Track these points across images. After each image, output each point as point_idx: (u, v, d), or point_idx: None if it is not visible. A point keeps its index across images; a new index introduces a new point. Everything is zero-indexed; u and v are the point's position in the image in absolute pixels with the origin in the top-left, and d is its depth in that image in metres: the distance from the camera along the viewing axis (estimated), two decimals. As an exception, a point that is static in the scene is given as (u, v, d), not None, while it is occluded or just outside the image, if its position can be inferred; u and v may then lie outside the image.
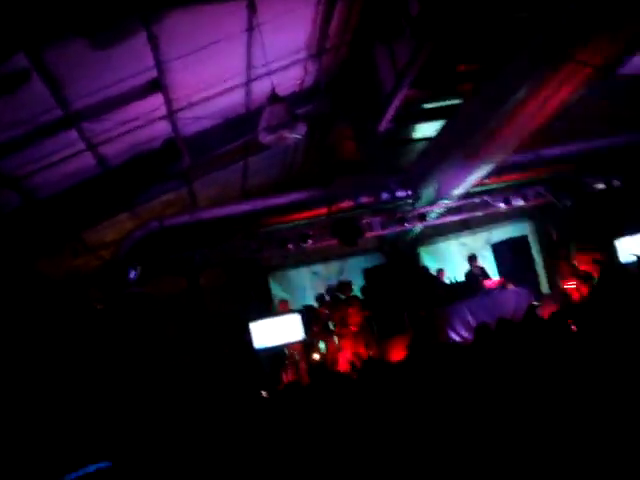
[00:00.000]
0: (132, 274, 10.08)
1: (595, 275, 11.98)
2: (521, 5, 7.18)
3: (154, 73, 6.78)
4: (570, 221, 13.20)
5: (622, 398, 4.15)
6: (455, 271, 13.51)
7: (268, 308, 13.27)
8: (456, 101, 9.12)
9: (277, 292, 13.93)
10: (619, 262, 11.72)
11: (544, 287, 14.51)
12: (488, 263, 14.06)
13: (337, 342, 11.81)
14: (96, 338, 10.27)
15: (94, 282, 10.73)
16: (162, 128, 8.18)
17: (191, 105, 7.89)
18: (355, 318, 11.87)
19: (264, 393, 9.96)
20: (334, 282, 13.22)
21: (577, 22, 5.49)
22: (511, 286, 12.12)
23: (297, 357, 11.76)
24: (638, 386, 4.24)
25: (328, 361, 11.68)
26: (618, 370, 4.62)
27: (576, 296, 12.06)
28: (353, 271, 13.97)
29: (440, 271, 13.22)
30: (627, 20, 5.24)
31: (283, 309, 12.42)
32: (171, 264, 10.86)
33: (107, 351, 10.13)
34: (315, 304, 12.76)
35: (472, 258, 13.10)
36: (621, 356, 4.88)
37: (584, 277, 12.16)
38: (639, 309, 6.10)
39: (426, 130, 10.36)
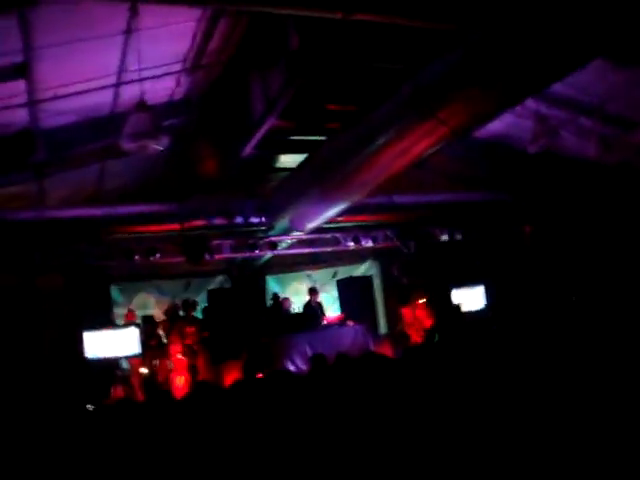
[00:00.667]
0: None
1: (428, 322, 12.70)
2: (397, 57, 7.59)
3: (20, 57, 6.49)
4: (413, 267, 13.86)
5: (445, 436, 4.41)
6: (300, 302, 13.75)
7: (107, 318, 12.83)
8: (322, 138, 9.39)
9: (118, 303, 13.50)
10: (453, 310, 12.52)
11: (382, 327, 15.05)
12: (332, 298, 14.42)
13: (171, 361, 11.55)
14: None
15: None
16: (20, 116, 7.79)
17: (55, 98, 7.59)
18: (191, 338, 11.71)
19: (90, 406, 9.59)
20: (178, 300, 12.99)
21: (442, 82, 5.87)
22: (351, 323, 12.49)
23: (129, 372, 11.46)
24: (469, 423, 4.53)
25: (161, 379, 11.41)
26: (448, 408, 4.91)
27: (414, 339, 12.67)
28: (199, 291, 13.86)
29: (285, 299, 13.35)
30: (486, 89, 5.67)
31: (130, 319, 12.03)
32: (8, 260, 10.29)
33: None
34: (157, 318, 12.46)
35: (312, 291, 13.29)
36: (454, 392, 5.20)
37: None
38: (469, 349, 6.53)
39: (289, 161, 10.59)
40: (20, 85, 7.02)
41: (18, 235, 9.93)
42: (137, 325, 11.43)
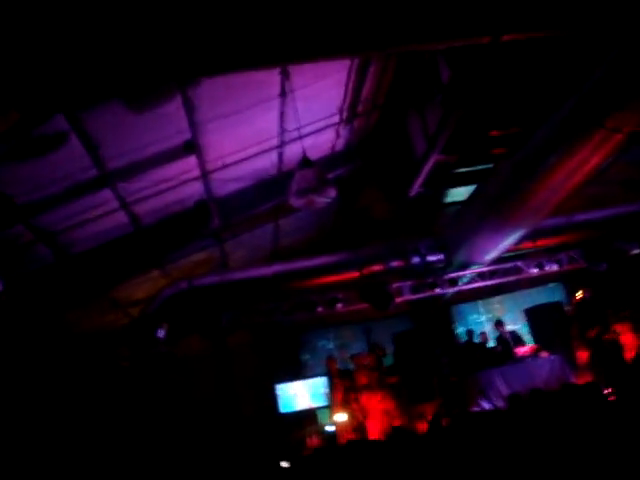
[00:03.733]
0: (160, 333, 10.10)
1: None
2: (553, 72, 7.22)
3: (188, 135, 6.91)
4: (605, 286, 12.97)
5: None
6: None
7: (297, 369, 13.14)
8: (488, 165, 9.10)
9: (305, 353, 13.81)
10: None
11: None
12: (522, 328, 13.83)
13: (364, 408, 11.50)
14: (120, 396, 10.22)
15: (122, 339, 10.74)
16: (195, 189, 8.29)
17: (224, 167, 7.99)
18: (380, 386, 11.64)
19: (284, 464, 9.74)
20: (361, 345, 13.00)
21: (606, 89, 5.46)
22: (545, 354, 11.85)
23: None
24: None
25: (355, 425, 11.41)
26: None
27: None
28: (382, 335, 13.80)
29: (482, 334, 12.97)
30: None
31: (331, 366, 12.19)
32: (199, 324, 10.85)
33: (130, 410, 10.06)
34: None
35: (499, 323, 12.79)
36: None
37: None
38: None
39: (458, 194, 10.35)
40: (192, 160, 7.46)
41: (207, 299, 10.44)
42: (329, 375, 11.55)
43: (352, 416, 11.44)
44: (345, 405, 11.54)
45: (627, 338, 11.99)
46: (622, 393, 6.33)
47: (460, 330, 14.55)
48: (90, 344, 10.49)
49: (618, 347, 11.86)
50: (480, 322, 14.74)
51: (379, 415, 11.38)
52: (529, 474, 4.43)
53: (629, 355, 11.62)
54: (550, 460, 4.55)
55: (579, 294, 12.85)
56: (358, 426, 11.36)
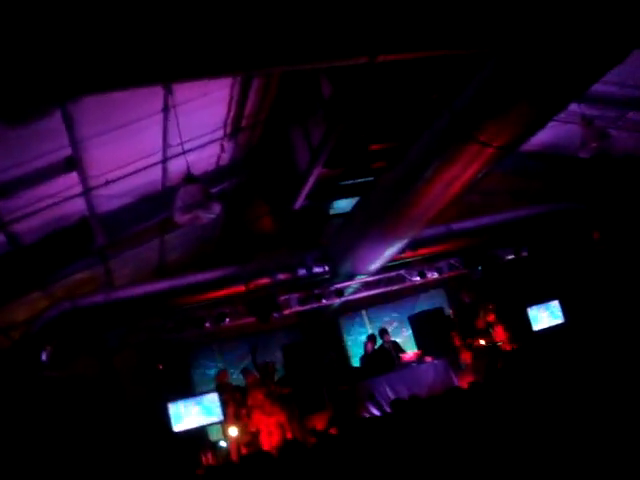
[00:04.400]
0: (43, 356, 9.74)
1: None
2: (430, 87, 7.56)
3: (69, 151, 6.73)
4: (483, 290, 13.63)
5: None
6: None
7: (188, 387, 12.99)
8: (370, 178, 9.39)
9: (197, 370, 13.69)
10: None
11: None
12: (407, 335, 14.27)
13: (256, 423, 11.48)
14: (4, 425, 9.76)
15: (3, 363, 10.25)
16: (77, 206, 8.06)
17: (107, 183, 7.82)
18: (269, 399, 11.65)
19: None
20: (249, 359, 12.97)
21: (477, 104, 5.79)
22: (429, 358, 12.27)
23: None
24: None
25: (248, 439, 11.38)
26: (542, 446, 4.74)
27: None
28: (273, 347, 13.90)
29: (367, 343, 13.21)
30: (520, 105, 5.56)
31: (221, 380, 12.07)
32: (84, 345, 10.55)
33: (16, 439, 9.62)
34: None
35: (383, 332, 13.06)
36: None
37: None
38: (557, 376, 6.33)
39: (343, 206, 10.60)
40: (73, 177, 7.27)
41: (91, 319, 10.16)
42: (220, 390, 11.48)
43: (245, 431, 11.41)
44: (237, 420, 11.50)
45: (499, 333, 12.70)
46: (498, 391, 6.69)
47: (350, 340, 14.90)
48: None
49: (494, 348, 12.54)
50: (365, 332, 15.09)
51: (272, 429, 11.40)
52: (411, 475, 4.61)
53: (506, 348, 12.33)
54: (431, 460, 4.75)
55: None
56: (251, 440, 11.34)
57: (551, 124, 9.06)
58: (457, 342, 13.01)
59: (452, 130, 6.21)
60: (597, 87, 7.69)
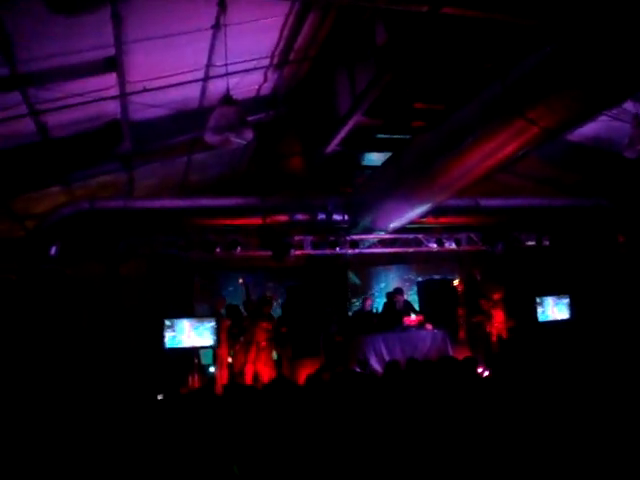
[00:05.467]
0: (53, 250, 9.82)
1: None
2: (485, 56, 7.34)
3: (111, 51, 6.62)
4: (496, 271, 13.55)
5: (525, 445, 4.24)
6: (380, 301, 13.73)
7: (188, 307, 13.10)
8: (407, 136, 9.22)
9: (197, 292, 13.80)
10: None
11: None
12: (411, 299, 14.24)
13: (245, 354, 11.59)
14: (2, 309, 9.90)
15: (14, 252, 10.36)
16: (111, 108, 7.97)
17: (144, 90, 7.70)
18: (264, 334, 11.71)
19: (160, 396, 9.80)
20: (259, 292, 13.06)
21: (533, 81, 5.61)
22: (429, 326, 12.28)
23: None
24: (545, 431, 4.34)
25: (237, 369, 11.52)
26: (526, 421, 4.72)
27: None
28: (276, 286, 14.00)
29: (366, 299, 13.25)
30: (575, 91, 5.38)
31: (218, 304, 12.18)
32: (95, 247, 10.61)
33: (12, 324, 9.77)
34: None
35: (397, 292, 13.14)
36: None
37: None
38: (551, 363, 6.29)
39: (373, 159, 10.47)
40: (111, 78, 7.17)
41: (106, 223, 10.20)
42: (217, 315, 11.57)
43: (235, 360, 11.53)
44: (229, 349, 11.62)
45: (498, 316, 12.68)
46: (494, 371, 6.67)
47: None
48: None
49: (488, 330, 12.55)
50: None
51: (262, 363, 11.51)
52: (398, 435, 4.61)
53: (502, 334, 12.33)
54: (417, 423, 4.75)
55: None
56: (239, 372, 11.47)
57: (601, 118, 8.89)
58: (460, 316, 13.00)
59: (501, 102, 6.03)
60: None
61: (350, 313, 14.02)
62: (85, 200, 9.79)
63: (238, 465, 4.25)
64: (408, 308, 12.94)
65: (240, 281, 12.10)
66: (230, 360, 11.58)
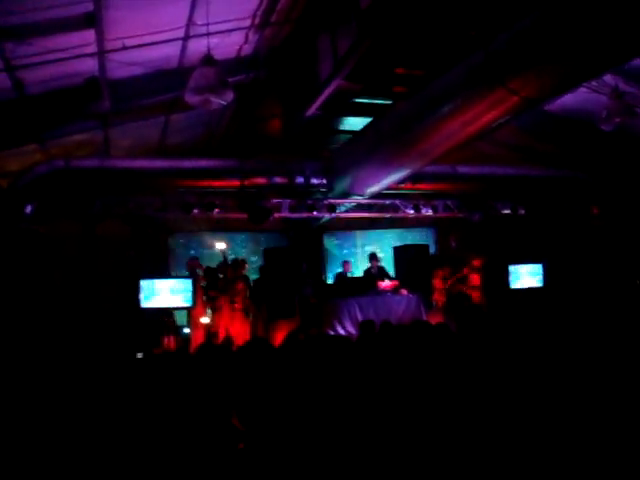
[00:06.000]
0: (28, 209, 9.74)
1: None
2: (469, 23, 7.34)
3: (90, 6, 6.51)
4: (472, 238, 13.70)
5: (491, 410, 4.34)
6: (356, 266, 13.84)
7: (163, 268, 13.11)
8: (388, 102, 9.23)
9: (177, 253, 13.83)
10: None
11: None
12: (387, 264, 14.35)
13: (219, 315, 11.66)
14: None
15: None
16: (89, 66, 7.85)
17: (124, 48, 7.60)
18: (239, 296, 11.78)
19: (139, 355, 9.86)
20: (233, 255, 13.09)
21: (515, 50, 5.64)
22: (404, 291, 12.39)
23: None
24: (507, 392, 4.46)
25: (213, 330, 11.58)
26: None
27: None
28: (254, 247, 14.07)
29: (346, 263, 13.35)
30: (561, 60, 5.42)
31: (192, 265, 12.20)
32: (70, 207, 10.52)
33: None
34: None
35: (373, 256, 13.23)
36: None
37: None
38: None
39: (353, 124, 10.45)
40: (90, 35, 7.06)
41: (82, 183, 10.11)
42: (193, 277, 11.60)
43: (210, 321, 11.58)
44: (204, 310, 11.65)
45: (474, 282, 12.88)
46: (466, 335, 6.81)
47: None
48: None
49: (466, 295, 12.73)
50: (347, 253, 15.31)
51: (237, 325, 11.58)
52: (372, 395, 4.69)
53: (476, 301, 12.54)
54: (391, 384, 4.84)
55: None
56: (214, 333, 11.52)
57: (580, 89, 8.95)
58: (435, 282, 13.13)
59: (483, 70, 6.06)
60: (638, 62, 7.52)
61: (330, 276, 14.15)
62: (60, 159, 9.70)
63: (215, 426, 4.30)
64: (382, 273, 13.05)
65: (222, 248, 12.09)
66: (205, 321, 11.61)
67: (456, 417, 4.28)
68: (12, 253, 9.90)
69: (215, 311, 11.63)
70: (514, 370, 5.36)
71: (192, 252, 13.81)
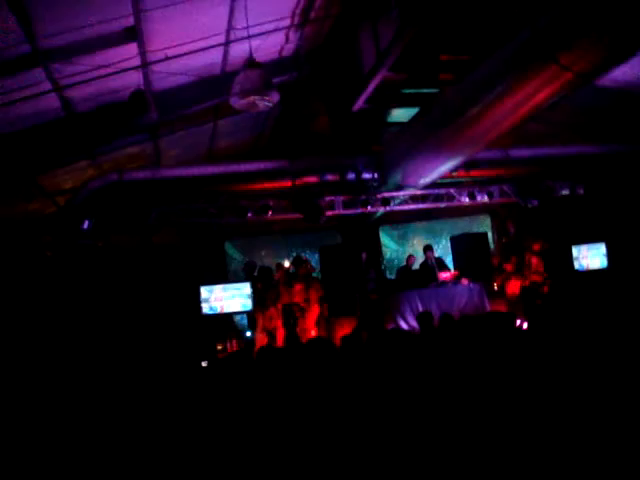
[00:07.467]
0: (86, 224, 9.90)
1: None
2: (513, 3, 7.12)
3: (130, 21, 6.55)
4: (531, 222, 13.40)
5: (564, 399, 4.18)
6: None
7: (222, 273, 13.20)
8: (435, 90, 9.04)
9: (234, 257, 13.92)
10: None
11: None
12: (445, 255, 14.15)
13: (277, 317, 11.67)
14: (42, 284, 10.05)
15: (47, 228, 10.47)
16: (133, 79, 7.89)
17: (166, 59, 7.61)
18: (312, 295, 11.79)
19: (204, 363, 9.93)
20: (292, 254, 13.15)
21: (564, 23, 5.42)
22: (465, 281, 12.20)
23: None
24: (586, 385, 4.28)
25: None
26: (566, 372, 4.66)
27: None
28: (311, 246, 14.06)
29: (410, 256, 13.23)
30: (613, 28, 5.19)
31: (249, 271, 12.26)
32: (126, 219, 10.66)
33: (51, 298, 9.92)
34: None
35: (427, 248, 13.08)
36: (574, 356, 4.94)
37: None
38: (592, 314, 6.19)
39: (401, 115, 10.29)
40: (132, 48, 7.10)
41: (136, 194, 10.22)
42: (252, 280, 11.63)
43: (269, 323, 11.60)
44: (262, 312, 11.67)
45: (538, 268, 12.57)
46: (535, 325, 6.60)
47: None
48: (12, 231, 10.20)
49: (526, 282, 12.44)
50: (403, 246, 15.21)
51: (303, 324, 11.59)
52: (439, 391, 4.58)
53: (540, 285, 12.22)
54: (457, 380, 4.72)
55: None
56: (274, 335, 11.55)
57: (635, 59, 8.59)
58: (495, 269, 12.90)
59: (532, 47, 5.83)
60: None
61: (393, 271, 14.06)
62: (114, 172, 9.82)
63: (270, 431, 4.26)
64: (440, 264, 12.88)
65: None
66: (265, 324, 11.64)
67: (528, 419, 4.13)
68: (73, 270, 10.08)
69: (273, 312, 11.64)
70: (586, 361, 5.16)
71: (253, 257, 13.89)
